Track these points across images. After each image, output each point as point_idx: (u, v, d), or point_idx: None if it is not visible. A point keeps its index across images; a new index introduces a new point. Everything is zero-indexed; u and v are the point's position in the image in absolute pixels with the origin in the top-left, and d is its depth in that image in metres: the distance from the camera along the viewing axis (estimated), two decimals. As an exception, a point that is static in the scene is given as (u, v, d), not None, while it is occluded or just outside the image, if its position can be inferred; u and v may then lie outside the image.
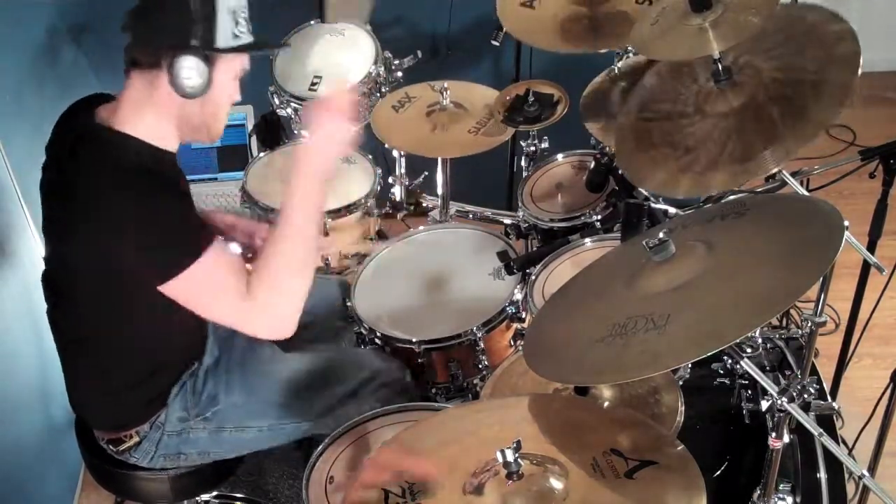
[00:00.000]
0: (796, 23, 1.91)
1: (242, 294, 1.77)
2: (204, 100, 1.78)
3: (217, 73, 1.77)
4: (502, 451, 1.35)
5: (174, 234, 1.74)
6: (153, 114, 1.79)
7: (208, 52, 1.74)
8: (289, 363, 2.10)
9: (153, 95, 1.77)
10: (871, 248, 2.17)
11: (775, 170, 1.82)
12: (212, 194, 2.97)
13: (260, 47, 1.84)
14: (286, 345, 2.19)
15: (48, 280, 1.94)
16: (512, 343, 2.21)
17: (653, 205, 2.03)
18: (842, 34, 1.81)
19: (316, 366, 2.11)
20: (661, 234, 1.53)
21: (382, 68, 2.71)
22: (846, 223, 1.45)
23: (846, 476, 2.17)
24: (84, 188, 1.74)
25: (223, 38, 1.74)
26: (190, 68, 1.72)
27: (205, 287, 1.76)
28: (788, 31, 1.91)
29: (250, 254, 2.12)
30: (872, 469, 2.19)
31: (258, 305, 1.78)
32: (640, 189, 2.15)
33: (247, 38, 1.78)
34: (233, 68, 1.81)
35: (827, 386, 2.48)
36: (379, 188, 2.59)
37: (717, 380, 2.25)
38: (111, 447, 1.99)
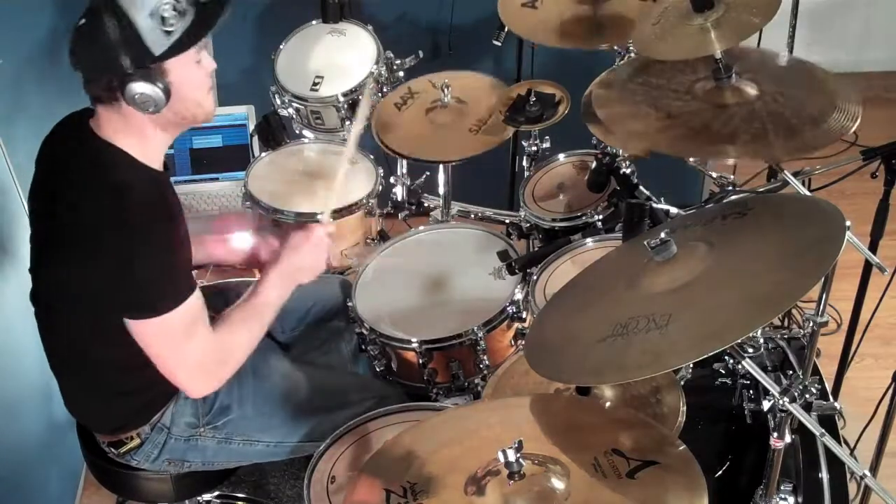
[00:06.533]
0: (805, 72, 1.96)
1: (193, 354, 1.79)
2: (174, 100, 1.73)
3: (173, 74, 1.71)
4: (504, 451, 1.35)
5: (160, 274, 1.72)
6: (135, 134, 1.75)
7: (151, 67, 1.68)
8: (299, 381, 2.10)
9: (127, 118, 1.73)
10: (873, 248, 2.17)
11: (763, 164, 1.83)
12: (213, 194, 2.97)
13: (196, 33, 1.70)
14: (294, 354, 2.21)
15: (36, 296, 1.93)
16: (513, 343, 2.21)
17: (654, 205, 2.03)
18: (846, 93, 1.86)
19: (325, 386, 2.12)
20: (662, 234, 1.53)
21: (384, 68, 2.71)
22: (848, 223, 1.44)
23: (848, 476, 2.17)
24: (73, 206, 1.72)
25: (155, 44, 1.67)
26: (141, 92, 1.68)
27: (169, 338, 1.76)
28: (795, 74, 1.96)
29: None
30: (874, 469, 2.20)
31: (208, 369, 1.83)
32: (642, 189, 2.16)
33: (181, 25, 1.67)
34: (188, 58, 1.73)
35: (828, 386, 2.48)
36: (381, 188, 2.59)
37: (719, 380, 2.25)
38: (112, 450, 1.99)
